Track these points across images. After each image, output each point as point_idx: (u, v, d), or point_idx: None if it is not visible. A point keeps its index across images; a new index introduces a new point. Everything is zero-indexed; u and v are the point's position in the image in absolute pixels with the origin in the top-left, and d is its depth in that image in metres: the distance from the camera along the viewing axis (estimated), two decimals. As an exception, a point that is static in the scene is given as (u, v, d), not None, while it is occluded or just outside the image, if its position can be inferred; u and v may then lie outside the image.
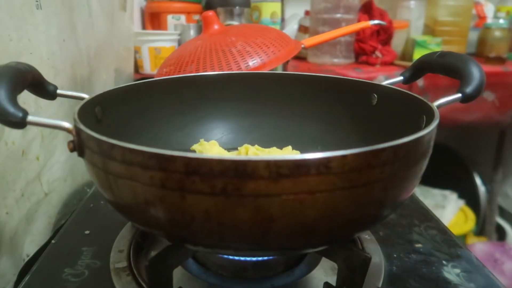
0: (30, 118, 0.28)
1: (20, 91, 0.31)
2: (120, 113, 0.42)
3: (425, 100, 0.35)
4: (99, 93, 0.39)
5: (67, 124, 0.29)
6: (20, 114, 0.27)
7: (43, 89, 0.37)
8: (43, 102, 0.52)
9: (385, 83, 0.43)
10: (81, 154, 0.29)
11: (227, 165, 0.23)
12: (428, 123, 0.30)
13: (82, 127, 0.28)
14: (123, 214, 0.31)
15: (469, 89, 0.34)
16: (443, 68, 0.39)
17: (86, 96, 0.37)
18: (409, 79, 0.43)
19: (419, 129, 0.28)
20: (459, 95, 0.34)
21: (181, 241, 0.30)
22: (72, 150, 0.30)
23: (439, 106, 0.33)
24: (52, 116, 0.50)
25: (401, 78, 0.43)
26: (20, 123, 0.27)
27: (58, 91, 0.38)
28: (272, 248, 0.29)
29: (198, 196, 0.24)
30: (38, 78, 0.36)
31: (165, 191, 0.24)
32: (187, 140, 0.50)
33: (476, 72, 0.35)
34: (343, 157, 0.23)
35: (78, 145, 0.29)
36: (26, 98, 0.48)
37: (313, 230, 0.26)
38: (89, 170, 0.30)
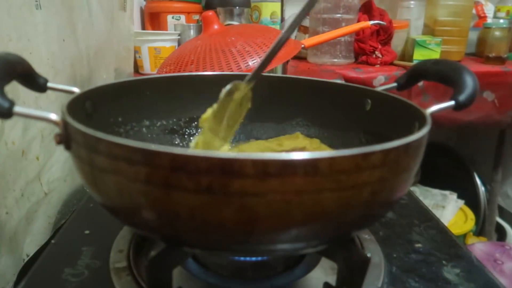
0: (16, 108, 0.27)
1: (8, 81, 0.30)
2: (111, 109, 0.42)
3: (417, 106, 0.35)
4: (90, 88, 0.38)
5: (54, 116, 0.28)
6: (7, 105, 0.26)
7: (32, 81, 0.36)
8: (43, 102, 0.52)
9: (379, 89, 0.43)
10: (67, 147, 0.29)
11: (213, 162, 0.22)
12: (421, 129, 0.29)
13: (68, 119, 0.27)
14: (107, 211, 0.30)
15: (462, 97, 0.34)
16: (437, 76, 0.39)
17: (77, 90, 0.36)
18: (404, 86, 0.44)
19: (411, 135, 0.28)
20: (452, 102, 0.34)
21: (174, 242, 0.29)
22: (58, 143, 0.29)
23: (431, 113, 0.33)
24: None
25: (395, 84, 0.44)
26: (6, 113, 0.27)
27: (49, 84, 0.37)
28: (258, 248, 0.29)
29: (183, 193, 0.23)
30: (28, 70, 0.35)
31: (150, 187, 0.24)
32: (180, 140, 0.50)
33: (469, 81, 0.35)
34: (331, 158, 0.23)
35: (65, 138, 0.29)
36: (26, 98, 0.48)
37: (300, 231, 0.26)
38: (75, 164, 0.30)
